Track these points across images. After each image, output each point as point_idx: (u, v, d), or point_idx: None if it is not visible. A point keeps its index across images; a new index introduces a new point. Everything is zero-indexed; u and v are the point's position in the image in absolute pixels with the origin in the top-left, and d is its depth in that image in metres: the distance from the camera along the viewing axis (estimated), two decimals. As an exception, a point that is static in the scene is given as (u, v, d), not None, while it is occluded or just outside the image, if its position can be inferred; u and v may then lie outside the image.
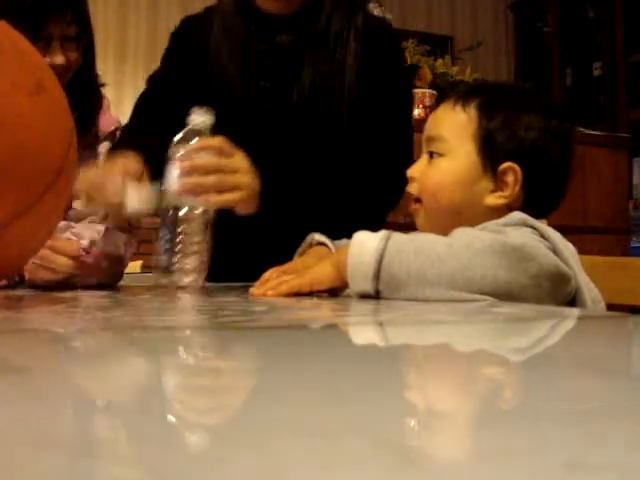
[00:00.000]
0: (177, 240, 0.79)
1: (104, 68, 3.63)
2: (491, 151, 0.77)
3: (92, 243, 0.95)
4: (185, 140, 0.81)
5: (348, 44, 1.02)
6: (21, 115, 0.51)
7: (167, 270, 0.79)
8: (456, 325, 0.49)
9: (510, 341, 0.42)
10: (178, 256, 0.79)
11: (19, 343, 0.37)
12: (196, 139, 0.81)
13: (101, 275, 0.95)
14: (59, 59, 0.94)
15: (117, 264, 1.01)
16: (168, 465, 0.15)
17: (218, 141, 0.83)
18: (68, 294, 0.76)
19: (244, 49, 1.04)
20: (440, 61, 2.45)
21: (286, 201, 0.95)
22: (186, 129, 0.82)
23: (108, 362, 0.33)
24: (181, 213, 0.79)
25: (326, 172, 0.99)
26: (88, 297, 0.75)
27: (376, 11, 2.46)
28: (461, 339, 0.42)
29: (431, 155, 0.81)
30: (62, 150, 0.56)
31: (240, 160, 0.86)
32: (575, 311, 0.65)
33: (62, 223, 0.93)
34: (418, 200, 0.83)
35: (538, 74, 4.07)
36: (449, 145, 0.80)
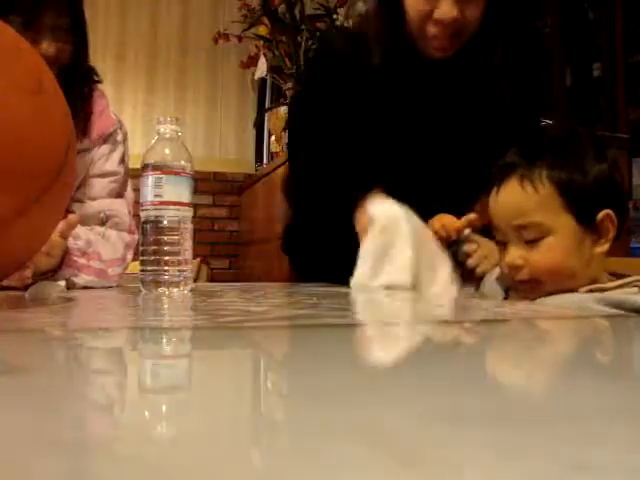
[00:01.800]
0: (160, 251, 0.78)
1: (104, 68, 3.63)
2: (584, 210, 0.80)
3: (88, 244, 0.95)
4: (156, 150, 0.81)
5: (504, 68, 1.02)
6: (21, 115, 0.51)
7: (152, 282, 0.78)
8: (455, 325, 0.49)
9: (510, 341, 0.42)
10: (163, 268, 0.78)
11: (19, 343, 0.37)
12: (167, 149, 0.80)
13: (99, 276, 0.95)
14: (50, 49, 0.92)
15: (117, 265, 1.01)
16: (168, 465, 0.15)
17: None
18: (68, 294, 0.76)
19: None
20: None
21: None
22: (157, 139, 0.81)
23: (108, 362, 0.33)
24: (162, 224, 0.79)
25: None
26: (88, 297, 0.75)
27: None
28: (460, 339, 0.42)
29: (530, 240, 0.81)
30: (61, 150, 0.56)
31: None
32: (575, 311, 0.65)
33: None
34: (529, 281, 0.83)
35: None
36: (546, 226, 0.80)
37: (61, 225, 0.83)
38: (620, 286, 0.80)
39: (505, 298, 0.89)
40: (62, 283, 0.82)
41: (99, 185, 1.04)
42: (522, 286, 0.83)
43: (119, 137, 1.10)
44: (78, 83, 1.00)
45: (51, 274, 0.87)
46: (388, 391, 0.25)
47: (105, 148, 1.07)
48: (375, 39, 1.03)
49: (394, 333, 0.44)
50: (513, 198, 0.83)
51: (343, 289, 0.85)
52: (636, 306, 0.73)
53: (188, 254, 0.81)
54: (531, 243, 0.81)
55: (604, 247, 0.81)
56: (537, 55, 1.13)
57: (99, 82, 1.08)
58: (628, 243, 2.36)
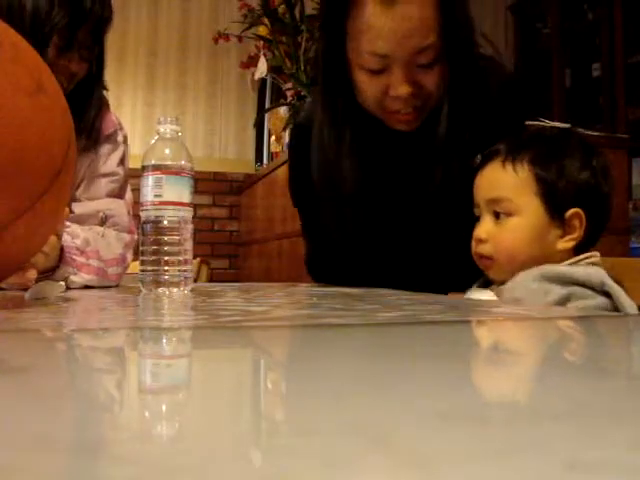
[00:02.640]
0: (160, 251, 0.78)
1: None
2: (555, 202, 0.83)
3: (86, 242, 0.95)
4: (156, 150, 0.81)
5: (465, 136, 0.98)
6: (21, 115, 0.51)
7: (152, 282, 0.78)
8: (454, 325, 0.49)
9: (510, 341, 0.42)
10: (163, 268, 0.78)
11: (19, 343, 0.37)
12: (167, 149, 0.80)
13: (98, 275, 0.95)
14: (75, 67, 0.95)
15: (117, 265, 1.01)
16: (168, 464, 0.15)
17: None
18: (68, 294, 0.76)
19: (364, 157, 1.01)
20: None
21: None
22: (157, 139, 0.81)
23: (108, 362, 0.33)
24: (162, 224, 0.79)
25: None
26: (88, 297, 0.75)
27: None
28: (460, 338, 0.42)
29: (496, 215, 0.85)
30: (61, 150, 0.56)
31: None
32: (575, 311, 0.65)
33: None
34: (487, 258, 0.87)
35: (537, 75, 4.08)
36: (515, 205, 0.84)
37: None
38: (572, 264, 0.83)
39: None
40: (62, 283, 0.82)
41: (98, 185, 1.05)
42: (480, 262, 0.88)
43: (119, 138, 1.10)
44: (92, 95, 1.02)
45: (50, 273, 0.86)
46: (388, 391, 0.25)
47: (105, 148, 1.07)
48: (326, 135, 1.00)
49: (394, 333, 0.44)
50: (493, 174, 0.87)
51: (343, 289, 0.85)
52: (574, 279, 0.76)
53: (188, 254, 0.81)
54: (498, 220, 0.85)
55: (568, 244, 0.83)
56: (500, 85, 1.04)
57: (106, 89, 1.09)
58: (628, 243, 2.36)
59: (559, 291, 0.76)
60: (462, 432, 0.18)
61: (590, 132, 2.40)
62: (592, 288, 0.76)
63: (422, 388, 0.25)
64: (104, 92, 1.08)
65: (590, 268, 0.79)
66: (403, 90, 0.90)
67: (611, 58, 3.55)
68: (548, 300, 0.75)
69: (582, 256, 0.84)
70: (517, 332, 0.46)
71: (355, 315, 0.52)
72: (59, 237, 0.86)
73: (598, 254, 0.85)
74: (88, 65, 0.98)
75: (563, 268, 0.79)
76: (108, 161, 1.07)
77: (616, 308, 0.75)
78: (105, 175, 1.06)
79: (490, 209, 0.86)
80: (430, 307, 0.62)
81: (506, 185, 0.85)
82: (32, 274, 0.78)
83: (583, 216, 0.83)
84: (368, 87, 0.93)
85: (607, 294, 0.76)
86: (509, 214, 0.84)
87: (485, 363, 0.32)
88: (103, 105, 1.07)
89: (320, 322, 0.49)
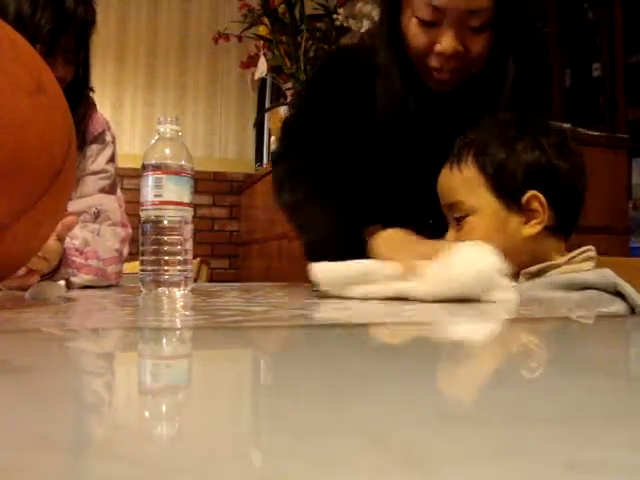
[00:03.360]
0: (160, 251, 0.78)
1: (104, 68, 3.61)
2: (506, 190, 0.81)
3: (85, 243, 0.95)
4: (157, 149, 0.81)
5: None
6: (21, 115, 0.51)
7: (152, 282, 0.78)
8: (454, 325, 0.49)
9: (510, 341, 0.42)
10: (163, 268, 0.78)
11: (19, 343, 0.37)
12: (167, 149, 0.80)
13: (98, 275, 0.95)
14: (60, 72, 0.94)
15: (115, 263, 1.01)
16: (168, 464, 0.15)
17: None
18: (68, 294, 0.76)
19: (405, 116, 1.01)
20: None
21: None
22: (157, 139, 0.81)
23: (108, 362, 0.33)
24: (162, 224, 0.79)
25: None
26: (88, 297, 0.75)
27: (375, 11, 2.46)
28: (459, 338, 0.42)
29: (458, 220, 0.84)
30: (62, 150, 0.56)
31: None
32: (574, 311, 0.65)
33: None
34: None
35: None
36: (468, 205, 0.83)
37: (58, 227, 0.83)
38: (570, 260, 0.81)
39: None
40: (62, 283, 0.82)
41: (89, 182, 1.05)
42: None
43: (108, 137, 1.11)
44: (80, 99, 1.02)
45: (50, 274, 0.87)
46: (388, 391, 0.25)
47: (94, 148, 1.08)
48: (379, 61, 1.00)
49: (394, 333, 0.44)
50: (443, 180, 0.87)
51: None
52: (587, 283, 0.74)
53: (188, 254, 0.81)
54: (458, 226, 0.84)
55: (534, 229, 0.81)
56: (543, 73, 1.09)
57: (92, 91, 1.09)
58: (628, 243, 2.36)
59: (575, 297, 0.74)
60: (462, 432, 0.18)
61: (590, 132, 2.40)
62: (605, 290, 0.74)
63: (422, 388, 0.25)
64: (90, 93, 1.08)
65: (600, 271, 0.77)
66: (449, 46, 0.90)
67: (611, 58, 3.55)
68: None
69: (577, 252, 0.81)
70: (517, 332, 0.46)
71: (355, 315, 0.52)
72: (62, 241, 0.86)
73: (593, 248, 0.83)
74: (74, 69, 0.98)
75: (573, 275, 0.77)
76: (97, 160, 1.07)
77: (632, 309, 0.74)
78: (95, 173, 1.06)
79: (451, 216, 0.85)
80: (430, 307, 0.62)
81: (455, 188, 0.84)
82: (34, 279, 0.79)
83: (542, 197, 0.80)
84: (417, 39, 0.93)
85: (619, 294, 0.74)
86: (465, 216, 0.83)
87: (485, 363, 0.32)
88: (90, 106, 1.08)
89: (320, 322, 0.49)
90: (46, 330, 0.42)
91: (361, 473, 0.14)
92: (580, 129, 2.36)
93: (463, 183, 0.83)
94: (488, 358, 0.35)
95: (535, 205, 0.80)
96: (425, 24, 0.91)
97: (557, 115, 3.08)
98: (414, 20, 0.92)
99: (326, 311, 0.57)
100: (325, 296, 0.70)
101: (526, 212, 0.81)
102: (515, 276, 0.82)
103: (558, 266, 0.80)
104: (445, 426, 0.19)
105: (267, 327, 0.45)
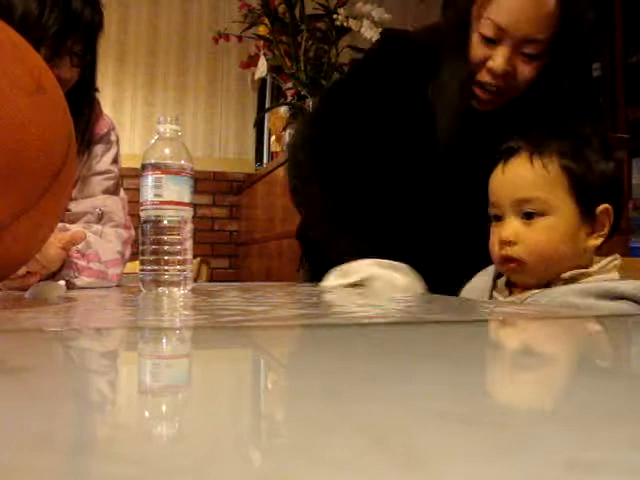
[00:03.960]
0: (160, 251, 0.78)
1: (104, 68, 3.60)
2: (587, 198, 0.80)
3: (87, 245, 0.95)
4: (156, 149, 0.81)
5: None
6: (21, 115, 0.51)
7: (152, 282, 0.78)
8: (454, 325, 0.49)
9: (510, 341, 0.42)
10: (163, 268, 0.78)
11: (19, 343, 0.37)
12: (167, 149, 0.80)
13: (99, 277, 0.95)
14: (66, 74, 0.94)
15: (117, 265, 1.01)
16: (168, 464, 0.15)
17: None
18: (68, 294, 0.76)
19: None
20: (440, 62, 2.45)
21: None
22: (157, 138, 0.81)
23: (108, 362, 0.33)
24: (162, 224, 0.79)
25: None
26: (88, 297, 0.75)
27: (375, 11, 2.46)
28: (460, 339, 0.42)
29: (527, 215, 0.80)
30: (61, 150, 0.56)
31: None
32: (574, 311, 0.65)
33: (58, 225, 0.93)
34: (516, 260, 0.82)
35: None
36: (547, 204, 0.80)
37: (66, 236, 0.84)
38: (601, 269, 0.81)
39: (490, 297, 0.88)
40: (62, 283, 0.82)
41: (93, 183, 1.05)
42: (506, 265, 0.82)
43: (112, 137, 1.11)
44: (85, 100, 1.02)
45: (51, 275, 0.87)
46: (388, 391, 0.25)
47: (99, 148, 1.07)
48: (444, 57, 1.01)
49: (394, 333, 0.44)
50: (521, 172, 0.82)
51: (344, 289, 0.85)
52: (624, 294, 0.73)
53: (188, 254, 0.81)
54: (528, 221, 0.80)
55: (597, 241, 0.81)
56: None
57: (97, 91, 1.09)
58: (628, 243, 2.36)
59: (610, 307, 0.72)
60: (462, 432, 0.18)
61: (590, 132, 2.40)
62: (637, 302, 0.73)
63: (422, 388, 0.25)
64: (96, 94, 1.08)
65: (635, 282, 0.75)
66: (500, 66, 0.93)
67: (611, 58, 3.55)
68: None
69: (607, 260, 0.81)
70: (518, 332, 0.46)
71: (355, 315, 0.52)
72: (66, 251, 0.86)
73: (619, 256, 0.83)
74: (80, 71, 0.97)
75: (610, 283, 0.76)
76: (102, 160, 1.07)
77: None
78: (100, 173, 1.06)
79: (517, 209, 0.81)
80: (430, 307, 0.62)
81: (537, 183, 0.80)
82: (34, 279, 0.79)
83: (611, 211, 0.80)
84: (475, 52, 0.96)
85: None
86: (541, 214, 0.80)
87: (485, 363, 0.32)
88: (96, 107, 1.07)
89: (320, 322, 0.49)
90: (46, 330, 0.42)
91: (361, 473, 0.14)
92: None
93: (546, 180, 0.80)
94: (488, 358, 0.35)
95: (604, 218, 0.80)
96: (486, 40, 0.94)
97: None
98: (477, 35, 0.95)
99: (326, 311, 0.57)
100: (325, 296, 0.70)
101: (594, 224, 0.81)
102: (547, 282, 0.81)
103: (590, 275, 0.80)
104: (445, 426, 0.19)
105: (267, 327, 0.45)
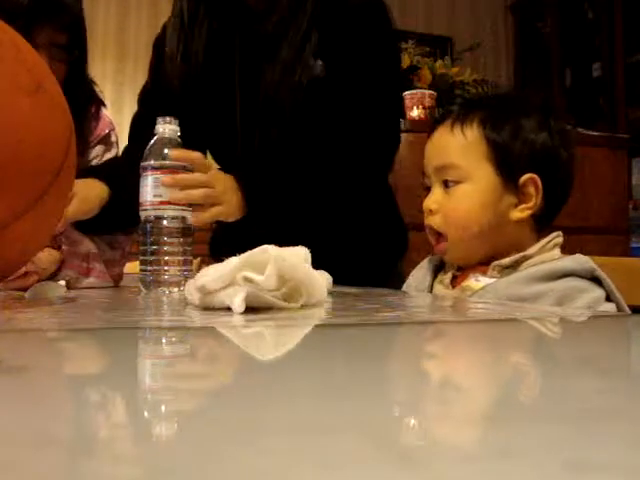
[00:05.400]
0: (160, 251, 0.78)
1: (104, 68, 3.61)
2: (507, 166, 0.77)
3: (88, 246, 0.95)
4: (155, 150, 0.81)
5: (304, 33, 0.99)
6: (21, 115, 0.51)
7: (152, 282, 0.78)
8: (454, 325, 0.49)
9: (510, 341, 0.42)
10: (163, 268, 0.78)
11: (19, 343, 0.37)
12: (166, 149, 0.80)
13: (100, 278, 0.95)
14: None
15: (117, 265, 1.01)
16: (168, 464, 0.15)
17: (197, 155, 0.83)
18: (68, 294, 0.76)
19: (222, 37, 1.03)
20: (440, 62, 2.45)
21: (274, 203, 0.95)
22: (155, 139, 0.81)
23: (107, 362, 0.33)
24: (162, 224, 0.79)
25: (314, 155, 0.98)
26: (88, 297, 0.75)
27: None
28: (459, 339, 0.42)
29: (446, 184, 0.79)
30: (61, 150, 0.56)
31: (217, 175, 0.88)
32: (574, 311, 0.65)
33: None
34: (439, 235, 0.81)
35: (537, 74, 4.08)
36: (465, 171, 0.78)
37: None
38: (542, 248, 0.78)
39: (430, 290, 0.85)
40: (62, 283, 0.82)
41: None
42: (431, 237, 0.82)
43: (113, 138, 1.11)
44: (78, 98, 1.00)
45: (52, 276, 0.87)
46: (388, 391, 0.25)
47: (99, 149, 1.07)
48: None
49: (394, 333, 0.44)
50: (440, 140, 0.82)
51: (344, 289, 0.85)
52: (567, 271, 0.71)
53: (188, 254, 0.81)
54: (447, 190, 0.79)
55: (523, 214, 0.77)
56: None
57: (95, 83, 1.07)
58: (628, 243, 2.36)
59: (558, 288, 0.71)
60: (462, 432, 0.18)
61: (590, 132, 2.40)
62: (583, 277, 0.72)
63: (422, 388, 0.25)
64: (98, 91, 1.07)
65: (576, 257, 0.74)
66: None
67: (611, 58, 3.55)
68: (547, 303, 0.70)
69: (546, 240, 0.78)
70: (517, 332, 0.46)
71: (355, 315, 0.52)
72: (61, 252, 0.86)
73: (561, 233, 0.79)
74: (64, 66, 0.94)
75: (551, 264, 0.74)
76: (102, 161, 1.07)
77: (607, 297, 0.72)
78: None
79: (439, 178, 0.80)
80: (430, 307, 0.62)
81: (454, 150, 0.79)
82: (33, 279, 0.79)
83: (539, 182, 0.76)
84: None
85: (595, 279, 0.72)
86: (458, 181, 0.78)
87: (485, 363, 0.32)
88: (94, 104, 1.06)
89: (320, 322, 0.49)
90: (46, 330, 0.42)
91: (361, 473, 0.14)
92: (580, 129, 2.36)
93: (464, 146, 0.78)
94: (487, 358, 0.35)
95: (530, 189, 0.77)
96: None
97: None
98: None
99: (327, 311, 0.57)
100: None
101: (519, 195, 0.77)
102: (484, 268, 0.79)
103: (530, 257, 0.77)
104: (445, 426, 0.19)
105: (267, 327, 0.45)
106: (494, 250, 0.79)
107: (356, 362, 0.30)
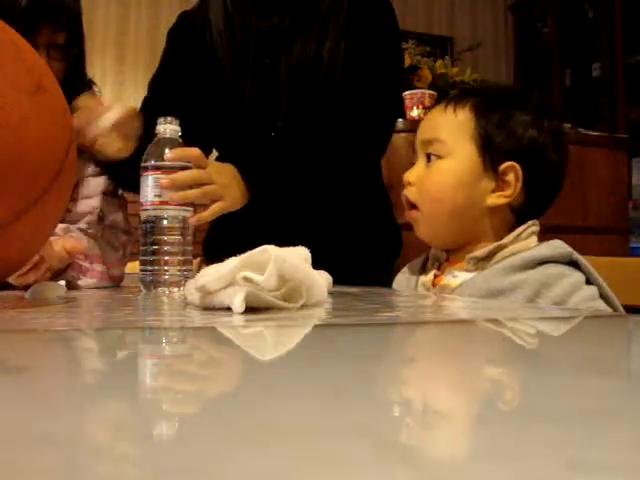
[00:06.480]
0: (160, 251, 0.78)
1: (104, 68, 3.61)
2: (491, 151, 0.78)
3: (90, 247, 0.95)
4: (156, 150, 0.81)
5: (334, 19, 1.03)
6: (21, 115, 0.51)
7: (152, 282, 0.78)
8: (454, 325, 0.49)
9: (509, 341, 0.42)
10: (163, 268, 0.78)
11: (19, 343, 0.37)
12: (167, 149, 0.80)
13: (101, 278, 0.95)
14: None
15: (118, 266, 1.01)
16: (168, 464, 0.15)
17: (195, 151, 0.83)
18: (68, 294, 0.76)
19: (238, 29, 1.06)
20: (440, 62, 2.45)
21: (276, 188, 0.96)
22: (156, 139, 0.81)
23: (108, 362, 0.33)
24: (162, 224, 0.79)
25: (320, 145, 1.00)
26: (88, 297, 0.75)
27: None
28: (459, 339, 0.42)
29: (428, 158, 0.81)
30: (62, 150, 0.56)
31: (217, 168, 0.88)
32: (574, 311, 0.65)
33: (60, 226, 0.93)
34: (414, 206, 0.82)
35: (537, 74, 4.08)
36: (448, 147, 0.79)
37: (68, 245, 0.84)
38: (516, 237, 0.78)
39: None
40: (62, 283, 0.82)
41: (94, 183, 1.05)
42: (407, 211, 0.83)
43: None
44: (77, 95, 1.00)
45: (53, 276, 0.87)
46: (388, 391, 0.25)
47: None
48: None
49: (394, 333, 0.44)
50: (432, 116, 0.84)
51: (344, 289, 0.85)
52: (544, 258, 0.72)
53: (188, 254, 0.81)
54: (429, 164, 0.80)
55: (499, 200, 0.78)
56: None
57: (93, 83, 1.07)
58: (628, 243, 2.36)
59: (535, 276, 0.71)
60: (462, 432, 0.18)
61: (590, 132, 2.40)
62: (561, 262, 0.72)
63: (422, 388, 0.25)
64: (97, 92, 1.07)
65: (551, 243, 0.74)
66: None
67: (611, 58, 3.55)
68: (526, 293, 0.70)
69: (522, 228, 0.78)
70: (517, 332, 0.46)
71: (355, 315, 0.52)
72: (71, 256, 0.86)
73: (537, 222, 0.80)
74: (63, 65, 0.94)
75: (528, 253, 0.74)
76: None
77: (587, 280, 0.72)
78: (100, 174, 1.06)
79: (423, 151, 0.82)
80: (431, 307, 0.62)
81: (442, 126, 0.81)
82: (33, 277, 0.79)
83: (519, 172, 0.77)
84: None
85: (573, 263, 0.73)
86: (440, 156, 0.79)
87: (485, 362, 0.32)
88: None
89: (321, 322, 0.49)
90: (46, 330, 0.42)
91: (361, 473, 0.14)
92: (580, 129, 2.36)
93: (452, 124, 0.80)
94: (488, 357, 0.35)
95: (510, 177, 0.77)
96: None
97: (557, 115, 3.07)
98: None
99: (325, 311, 0.57)
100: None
101: (498, 182, 0.78)
102: (460, 263, 0.79)
103: (505, 246, 0.77)
104: (445, 426, 0.19)
105: (267, 327, 0.45)
106: (464, 235, 0.80)
107: (356, 362, 0.30)
